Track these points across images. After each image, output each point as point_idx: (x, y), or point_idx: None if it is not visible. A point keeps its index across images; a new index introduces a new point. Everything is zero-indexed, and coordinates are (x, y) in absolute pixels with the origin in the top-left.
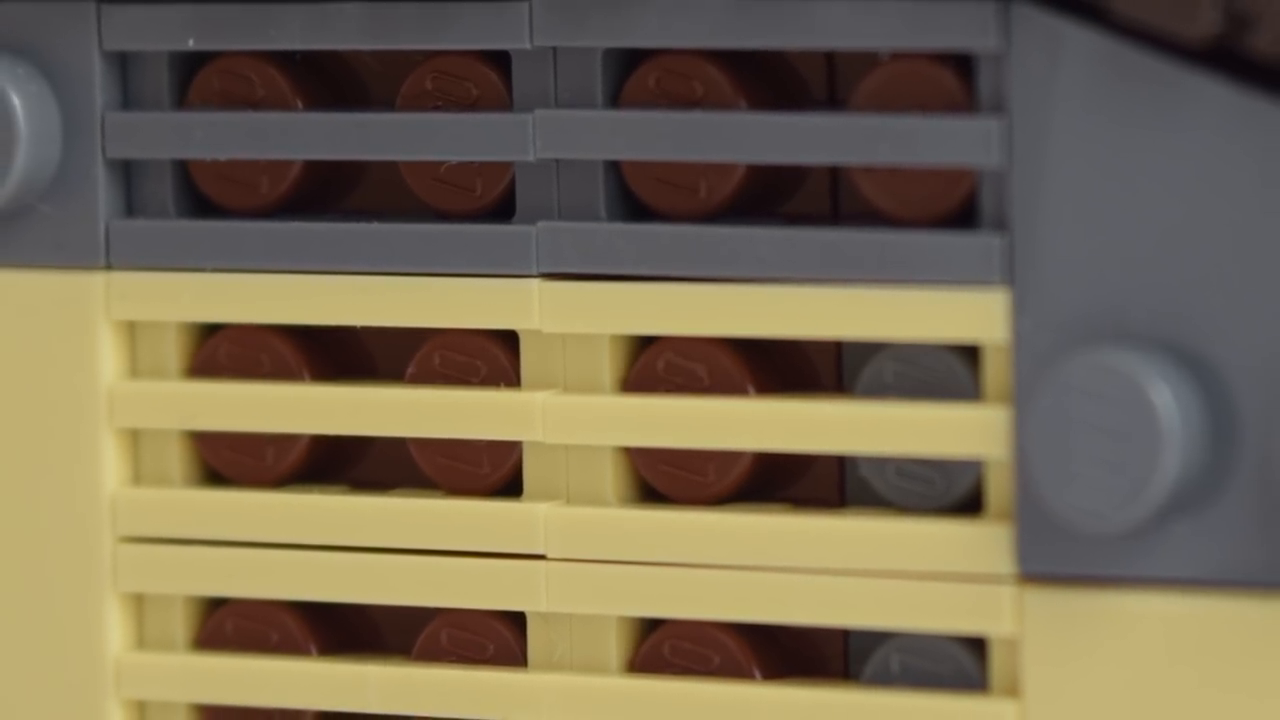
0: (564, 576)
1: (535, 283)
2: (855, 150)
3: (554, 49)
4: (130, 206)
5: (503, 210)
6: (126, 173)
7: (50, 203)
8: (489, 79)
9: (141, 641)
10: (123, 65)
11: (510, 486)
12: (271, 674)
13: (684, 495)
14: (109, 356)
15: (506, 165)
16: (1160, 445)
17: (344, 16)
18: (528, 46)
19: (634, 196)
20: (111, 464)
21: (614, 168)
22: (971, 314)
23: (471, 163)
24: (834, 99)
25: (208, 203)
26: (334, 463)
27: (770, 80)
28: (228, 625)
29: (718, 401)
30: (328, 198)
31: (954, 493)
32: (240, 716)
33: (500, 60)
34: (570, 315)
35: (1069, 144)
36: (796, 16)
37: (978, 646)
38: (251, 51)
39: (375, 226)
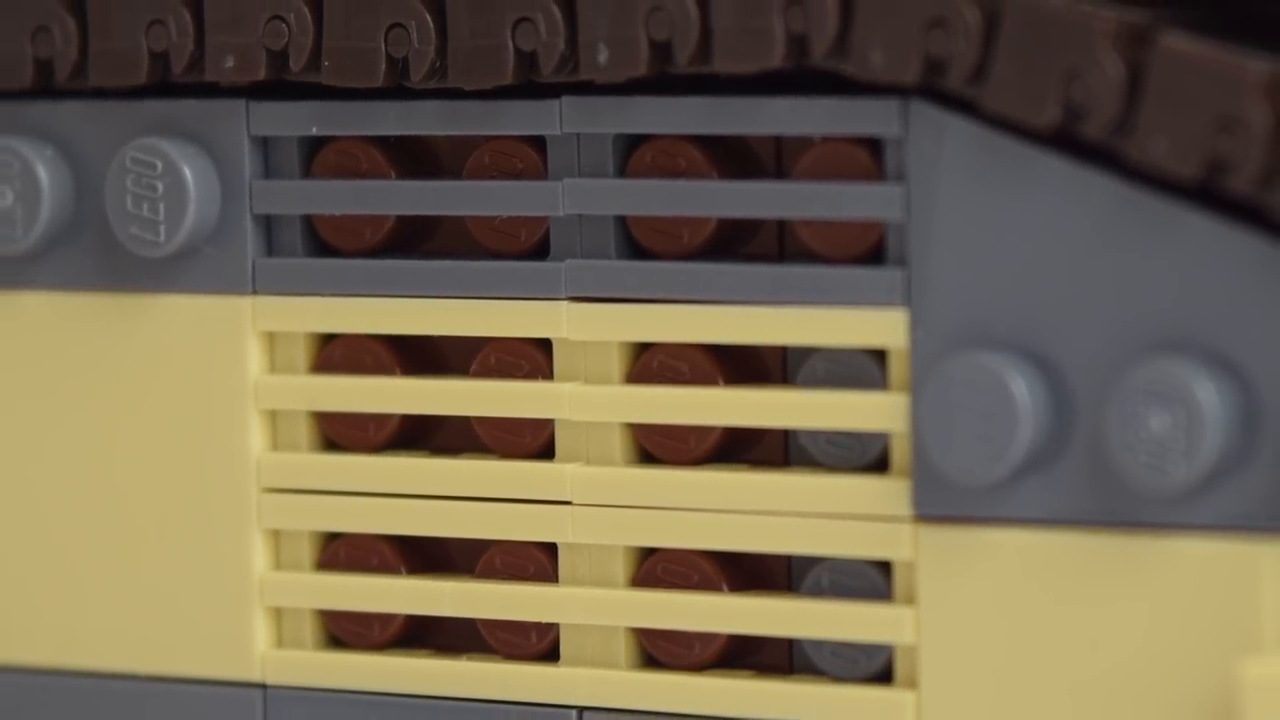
0: (585, 517)
1: (564, 304)
2: (796, 207)
3: (578, 134)
4: (270, 249)
5: (540, 251)
6: (268, 224)
7: (212, 246)
8: (530, 156)
9: (278, 564)
10: (265, 146)
11: (545, 452)
12: (373, 588)
13: (672, 458)
14: (255, 358)
15: (543, 219)
16: (1017, 421)
17: (425, 111)
18: (559, 133)
19: (636, 241)
20: (256, 435)
21: (621, 221)
22: (881, 327)
23: (517, 217)
24: (780, 170)
25: (326, 246)
26: (418, 434)
27: (734, 157)
28: (341, 552)
29: (696, 390)
30: (413, 242)
31: (868, 456)
32: (350, 619)
33: (538, 143)
34: (589, 328)
35: (952, 204)
36: (754, 112)
37: (885, 568)
38: (358, 136)
39: (448, 263)
